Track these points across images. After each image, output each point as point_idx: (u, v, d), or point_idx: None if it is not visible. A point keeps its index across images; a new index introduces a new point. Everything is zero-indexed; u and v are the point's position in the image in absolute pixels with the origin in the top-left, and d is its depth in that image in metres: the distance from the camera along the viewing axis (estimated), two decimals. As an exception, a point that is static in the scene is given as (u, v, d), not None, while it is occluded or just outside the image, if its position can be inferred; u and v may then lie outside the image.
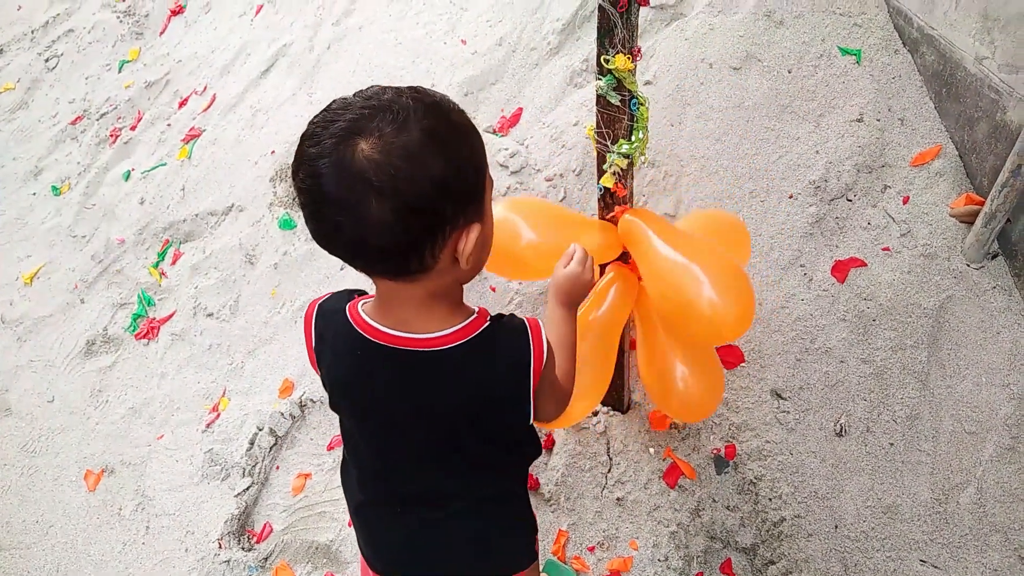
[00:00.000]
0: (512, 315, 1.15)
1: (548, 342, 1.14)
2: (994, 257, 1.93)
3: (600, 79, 1.37)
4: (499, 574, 1.31)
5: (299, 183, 0.94)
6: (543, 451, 2.11)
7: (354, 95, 0.96)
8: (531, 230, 1.62)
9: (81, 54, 4.67)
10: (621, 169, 1.49)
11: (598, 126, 1.46)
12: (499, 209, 1.61)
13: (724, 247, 1.68)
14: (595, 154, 1.53)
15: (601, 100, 1.41)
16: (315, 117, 0.95)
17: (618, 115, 1.41)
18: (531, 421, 1.16)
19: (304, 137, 0.94)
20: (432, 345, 1.06)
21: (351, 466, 1.28)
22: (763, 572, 1.85)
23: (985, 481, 1.77)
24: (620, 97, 1.38)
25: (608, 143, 1.46)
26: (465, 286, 1.14)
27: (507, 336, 1.11)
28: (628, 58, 1.32)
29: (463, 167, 0.96)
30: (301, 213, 0.98)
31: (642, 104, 1.40)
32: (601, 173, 1.52)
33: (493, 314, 1.14)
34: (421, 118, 0.91)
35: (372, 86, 0.97)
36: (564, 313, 1.27)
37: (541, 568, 1.94)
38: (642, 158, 1.49)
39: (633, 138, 1.44)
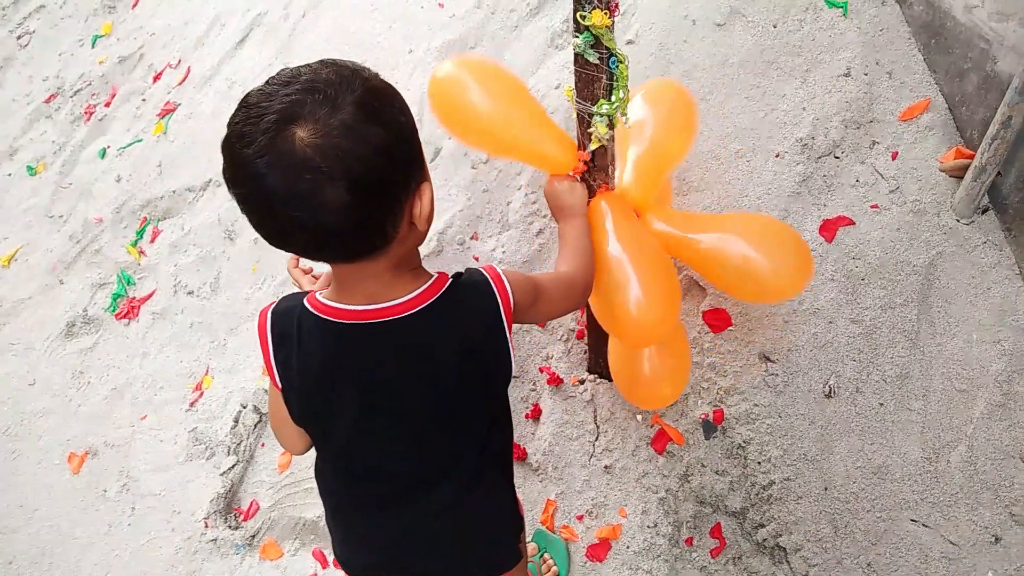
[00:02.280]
0: (469, 268, 1.16)
1: (510, 277, 1.15)
2: (984, 212, 1.89)
3: (577, 36, 1.32)
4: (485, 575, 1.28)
5: (240, 189, 0.90)
6: (530, 421, 2.08)
7: (268, 83, 0.91)
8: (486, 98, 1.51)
9: (54, 30, 4.56)
10: (608, 138, 1.44)
11: (577, 86, 1.41)
12: (449, 66, 1.53)
13: (669, 129, 1.67)
14: (576, 116, 1.48)
15: (579, 59, 1.35)
16: (235, 116, 0.90)
17: (597, 74, 1.36)
18: (512, 368, 1.15)
19: (231, 139, 0.89)
20: (404, 310, 1.05)
21: (327, 469, 1.23)
22: (753, 535, 1.83)
23: (976, 439, 1.75)
24: (598, 55, 1.32)
25: (588, 103, 1.41)
26: (450, 256, 1.12)
27: (472, 288, 1.12)
28: (605, 14, 1.26)
29: (401, 130, 0.95)
30: (248, 221, 0.93)
31: (621, 62, 1.34)
32: (581, 134, 1.47)
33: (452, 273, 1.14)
34: (347, 91, 0.89)
35: (281, 70, 0.93)
36: (573, 223, 1.41)
37: (530, 538, 1.92)
38: (624, 118, 1.44)
39: (613, 97, 1.39)
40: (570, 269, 1.35)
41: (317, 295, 1.09)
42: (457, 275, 1.13)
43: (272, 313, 1.13)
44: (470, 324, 1.10)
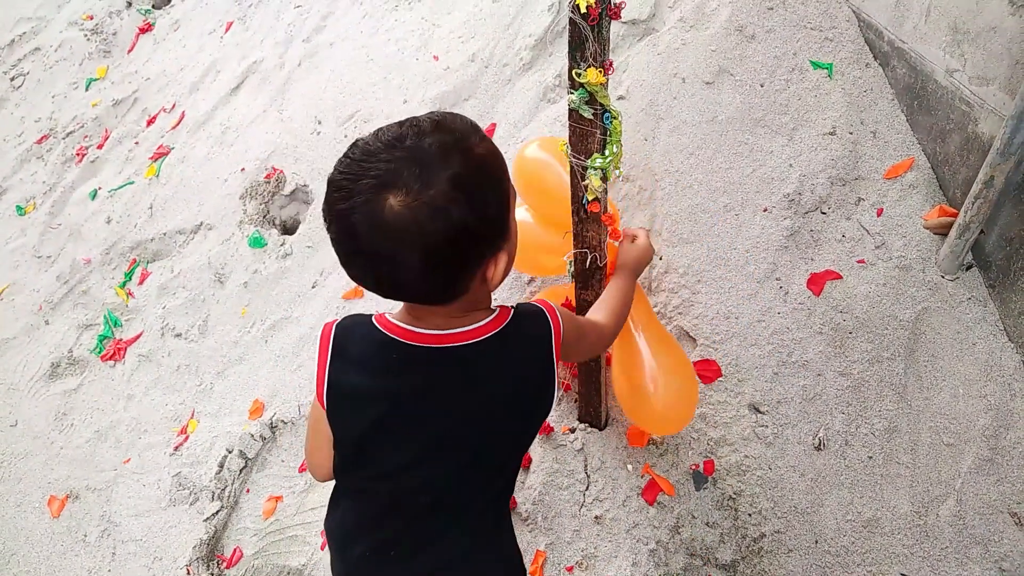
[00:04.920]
0: (524, 302, 1.24)
1: (562, 314, 1.23)
2: (968, 268, 1.93)
3: (572, 93, 1.35)
4: None
5: (332, 233, 0.99)
6: (520, 470, 2.07)
7: (375, 137, 0.98)
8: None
9: (47, 72, 4.60)
10: (601, 191, 1.47)
11: (571, 140, 1.44)
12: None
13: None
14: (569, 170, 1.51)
15: (573, 114, 1.39)
16: (341, 163, 0.98)
17: (591, 129, 1.39)
18: (553, 402, 1.20)
19: (332, 187, 0.97)
20: (466, 339, 1.10)
21: (349, 510, 1.22)
22: (744, 589, 1.82)
23: (964, 493, 1.76)
24: (592, 111, 1.36)
25: (582, 157, 1.44)
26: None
27: (530, 317, 1.19)
28: (600, 72, 1.30)
29: (488, 208, 1.01)
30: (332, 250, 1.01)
31: (615, 118, 1.38)
32: (575, 186, 1.50)
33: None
34: (446, 165, 0.95)
35: (390, 125, 0.99)
36: (630, 276, 1.55)
37: (519, 590, 1.89)
38: (616, 172, 1.48)
39: (607, 152, 1.42)
40: (608, 323, 1.45)
41: (387, 316, 1.14)
42: (516, 307, 1.20)
43: (337, 325, 1.17)
44: (527, 353, 1.17)
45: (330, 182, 0.98)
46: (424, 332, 1.09)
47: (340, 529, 1.24)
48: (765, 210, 2.08)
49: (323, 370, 1.15)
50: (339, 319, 1.19)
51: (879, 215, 2.02)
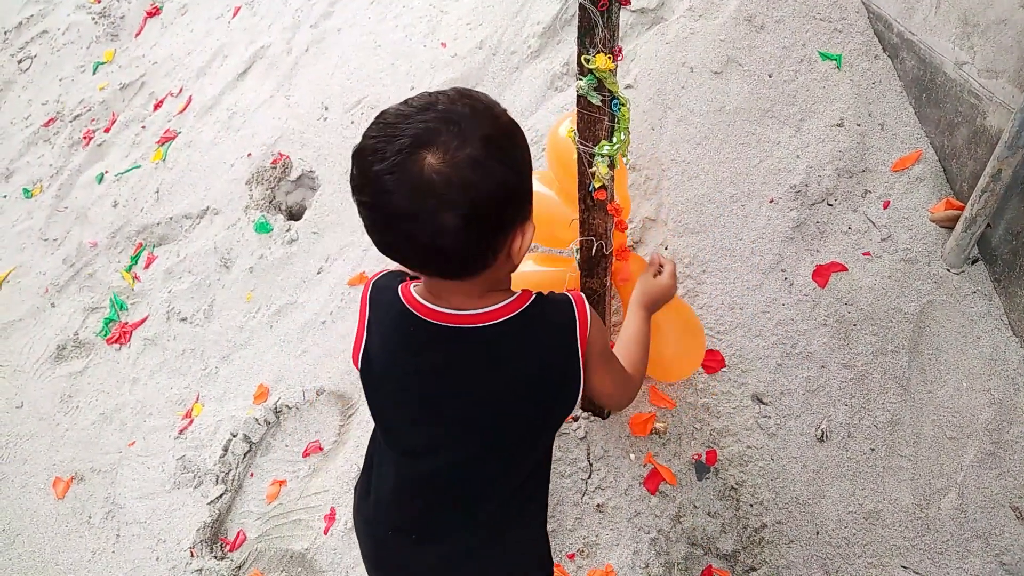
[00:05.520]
0: (552, 292, 1.20)
1: (592, 313, 1.18)
2: (974, 262, 1.93)
3: (581, 79, 1.35)
4: None
5: (364, 198, 0.96)
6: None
7: (407, 104, 0.97)
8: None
9: (55, 56, 4.59)
10: (608, 178, 1.46)
11: (579, 127, 1.44)
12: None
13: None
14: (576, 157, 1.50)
15: (582, 100, 1.39)
16: (370, 130, 0.96)
17: (599, 116, 1.39)
18: (580, 396, 1.16)
19: (364, 152, 0.95)
20: (485, 320, 1.09)
21: (384, 479, 1.25)
22: (744, 579, 1.83)
23: (966, 487, 1.76)
24: (601, 97, 1.36)
25: (590, 144, 1.44)
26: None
27: (553, 307, 1.16)
28: (609, 58, 1.29)
29: (521, 169, 1.01)
30: (363, 225, 0.99)
31: (623, 105, 1.38)
32: (582, 173, 1.50)
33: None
34: (478, 125, 0.94)
35: (420, 93, 0.99)
36: (647, 315, 1.43)
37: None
38: (624, 159, 1.47)
39: (615, 139, 1.42)
40: (632, 372, 1.34)
41: (412, 288, 1.13)
42: (540, 294, 1.18)
43: (374, 284, 1.20)
44: (549, 339, 1.14)
45: (360, 149, 0.96)
46: (445, 311, 1.09)
47: (373, 495, 1.27)
48: (771, 201, 2.07)
49: (361, 330, 1.18)
50: (377, 276, 1.20)
51: (885, 207, 2.02)
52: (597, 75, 1.32)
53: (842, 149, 2.08)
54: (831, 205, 2.05)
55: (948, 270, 1.93)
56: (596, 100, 1.36)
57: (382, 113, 0.97)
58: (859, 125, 2.11)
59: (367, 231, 0.99)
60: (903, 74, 2.13)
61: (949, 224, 1.94)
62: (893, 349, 1.90)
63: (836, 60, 2.18)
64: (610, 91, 1.35)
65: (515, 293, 1.14)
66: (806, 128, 2.13)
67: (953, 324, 1.90)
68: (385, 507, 1.25)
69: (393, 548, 1.26)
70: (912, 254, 1.96)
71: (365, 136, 0.96)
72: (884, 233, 1.99)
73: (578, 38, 1.31)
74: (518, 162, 1.00)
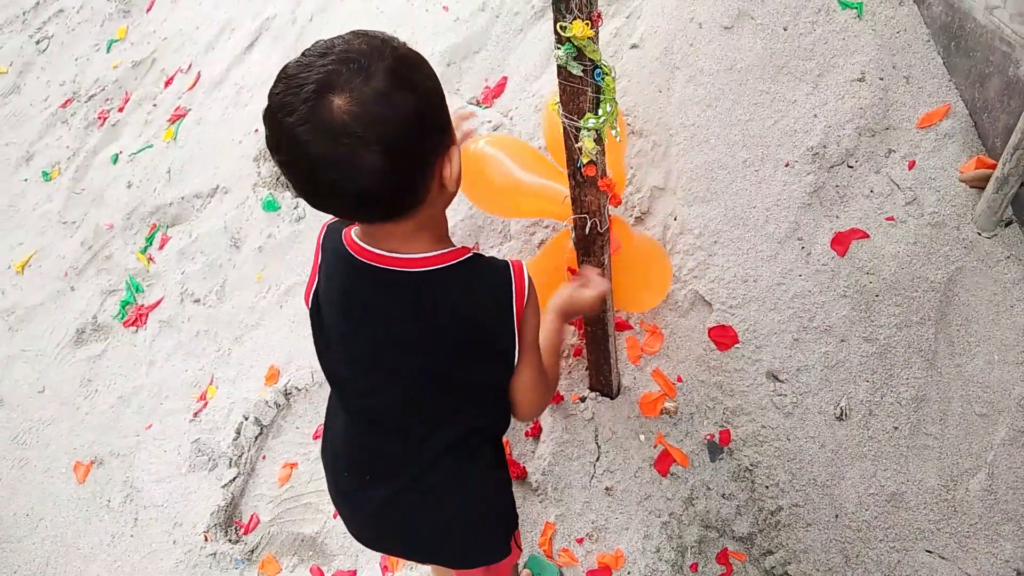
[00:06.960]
0: (493, 256, 1.19)
1: (531, 288, 1.17)
2: (1007, 224, 1.79)
3: (559, 48, 1.25)
4: (463, 564, 1.32)
5: (283, 156, 0.95)
6: (530, 439, 2.02)
7: (304, 55, 0.96)
8: (522, 170, 1.75)
9: (71, 35, 4.57)
10: (597, 153, 1.37)
11: (562, 99, 1.34)
12: (482, 144, 1.77)
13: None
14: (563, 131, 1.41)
15: (562, 71, 1.29)
16: (275, 87, 0.95)
17: (581, 87, 1.29)
18: (515, 360, 1.17)
19: (272, 109, 0.94)
20: (419, 265, 1.09)
21: (341, 427, 1.29)
22: (760, 562, 1.76)
23: (996, 466, 1.66)
24: (582, 67, 1.26)
25: (575, 118, 1.34)
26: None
27: (490, 268, 1.15)
28: (587, 24, 1.19)
29: (431, 96, 1.00)
30: (289, 184, 1.01)
31: (607, 74, 1.27)
32: (569, 148, 1.40)
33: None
34: (379, 60, 0.93)
35: (316, 42, 0.98)
36: (562, 323, 1.37)
37: (523, 564, 1.86)
38: (614, 131, 1.37)
39: (600, 111, 1.32)
40: (549, 368, 1.28)
41: (353, 232, 1.13)
42: (479, 254, 1.17)
43: (328, 226, 1.22)
44: (480, 297, 1.14)
45: (268, 107, 0.94)
46: (378, 252, 1.09)
47: (331, 445, 1.33)
48: (787, 165, 1.95)
49: (314, 273, 1.20)
50: (330, 220, 1.21)
51: (911, 168, 1.88)
52: (575, 43, 1.22)
53: (863, 106, 1.94)
54: (851, 167, 1.92)
55: (979, 234, 1.80)
56: (577, 71, 1.26)
57: (284, 68, 0.96)
58: (882, 79, 1.96)
59: (295, 191, 0.99)
60: (930, 21, 1.96)
61: (980, 184, 1.80)
62: (918, 320, 1.78)
63: (857, 8, 2.02)
64: (591, 60, 1.25)
65: (454, 246, 1.13)
66: (824, 84, 1.99)
67: (984, 292, 1.77)
68: (341, 450, 1.30)
69: (345, 488, 1.30)
70: (939, 218, 1.82)
71: (271, 94, 0.95)
72: (909, 196, 1.86)
73: (553, 3, 1.21)
74: (427, 89, 0.99)
